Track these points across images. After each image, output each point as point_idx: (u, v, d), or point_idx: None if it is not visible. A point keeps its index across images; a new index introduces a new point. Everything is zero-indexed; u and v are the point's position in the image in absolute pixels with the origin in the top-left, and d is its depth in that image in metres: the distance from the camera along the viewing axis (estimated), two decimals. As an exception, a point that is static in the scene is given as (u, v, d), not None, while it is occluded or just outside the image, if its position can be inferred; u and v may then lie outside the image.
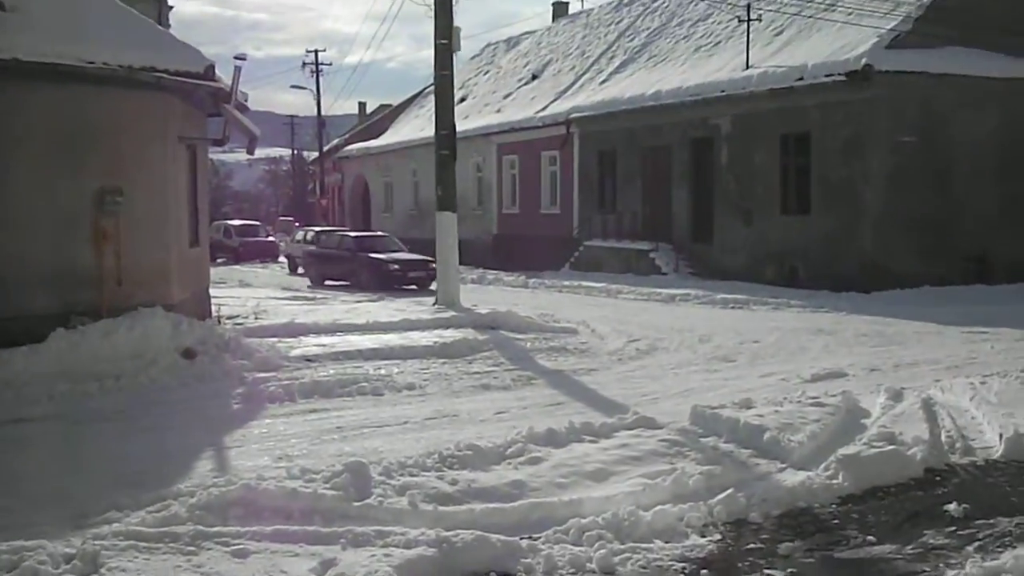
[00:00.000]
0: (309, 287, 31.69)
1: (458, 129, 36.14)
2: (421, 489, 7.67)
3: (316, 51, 69.37)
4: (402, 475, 7.99)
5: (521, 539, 6.89)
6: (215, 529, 6.85)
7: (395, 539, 6.72)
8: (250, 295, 25.67)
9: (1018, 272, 25.15)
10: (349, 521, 7.11)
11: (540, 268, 35.25)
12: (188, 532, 6.73)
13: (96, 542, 6.48)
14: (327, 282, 32.54)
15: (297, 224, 59.67)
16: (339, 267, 32.41)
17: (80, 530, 6.97)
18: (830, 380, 13.01)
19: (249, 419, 11.12)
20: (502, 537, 6.80)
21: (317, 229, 43.41)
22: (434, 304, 21.75)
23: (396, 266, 30.27)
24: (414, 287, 29.26)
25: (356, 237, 33.24)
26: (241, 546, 6.58)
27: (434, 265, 29.67)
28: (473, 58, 56.29)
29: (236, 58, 18.27)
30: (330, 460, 8.67)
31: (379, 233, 35.69)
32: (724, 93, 28.90)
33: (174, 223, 17.00)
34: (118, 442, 10.05)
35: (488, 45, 56.27)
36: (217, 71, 16.97)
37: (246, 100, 19.85)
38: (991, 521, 7.42)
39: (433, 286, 28.42)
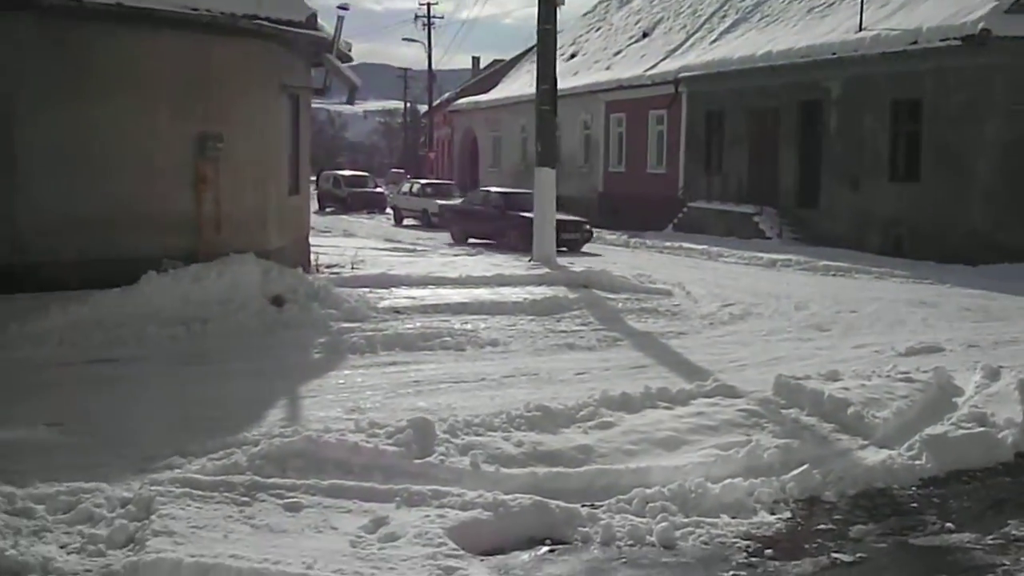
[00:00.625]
0: (450, 244, 29.90)
1: (567, 86, 35.73)
2: (484, 449, 7.53)
3: (428, 3, 69.40)
4: (467, 434, 7.86)
5: (582, 506, 6.71)
6: (271, 480, 6.81)
7: (451, 500, 6.60)
8: (352, 245, 25.73)
9: None
10: (408, 479, 7.01)
11: (643, 228, 34.86)
12: (244, 482, 6.69)
13: (152, 488, 6.48)
14: (471, 240, 30.54)
15: (408, 176, 59.83)
16: (485, 225, 30.17)
17: (142, 474, 7.01)
18: (925, 355, 12.50)
19: (329, 369, 11.11)
20: (561, 504, 6.65)
21: (423, 182, 43.53)
22: (530, 260, 21.60)
23: None
24: (565, 249, 25.42)
25: (505, 194, 30.80)
26: (295, 499, 6.52)
27: (588, 226, 29.14)
28: (585, 14, 55.63)
29: (339, 7, 18.24)
30: (401, 414, 8.54)
31: (526, 190, 31.91)
32: (835, 55, 28.05)
33: (274, 171, 17.12)
34: (196, 387, 10.09)
35: (601, 1, 55.47)
36: (321, 20, 16.97)
37: (349, 50, 19.85)
38: (1082, 513, 7.03)
39: (586, 248, 28.18)
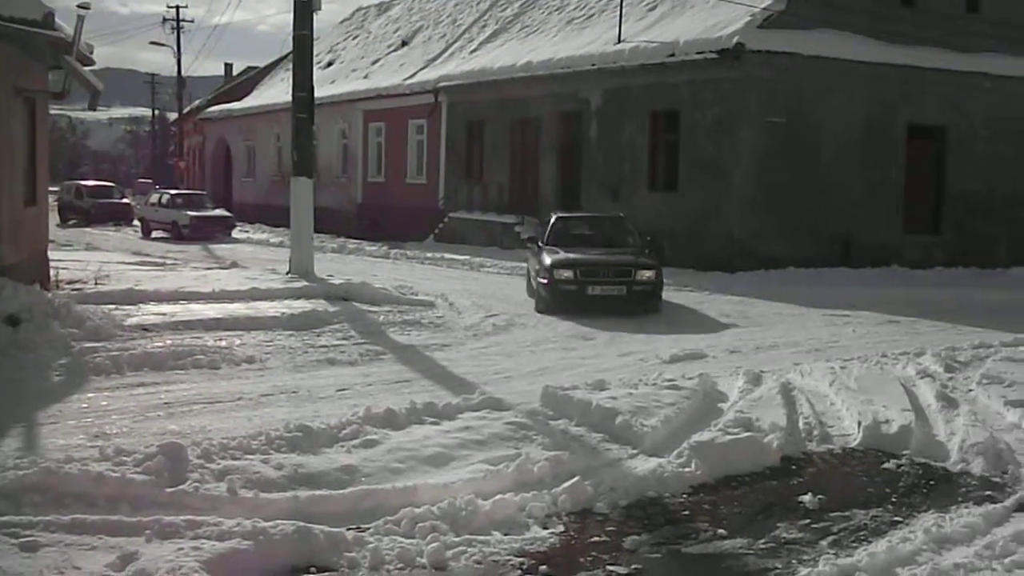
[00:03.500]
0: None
1: (325, 94, 35.17)
2: (243, 474, 7.06)
3: (177, 7, 67.33)
4: (223, 458, 7.36)
5: (348, 530, 6.37)
6: (5, 518, 6.21)
7: (208, 530, 6.13)
8: (96, 259, 24.38)
9: (882, 256, 25.40)
10: (159, 509, 6.47)
11: (404, 239, 34.59)
12: (-28, 521, 6.02)
13: None
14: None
15: (157, 187, 57.70)
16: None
17: None
18: (689, 361, 12.74)
19: (70, 392, 10.30)
20: (326, 528, 6.28)
21: (173, 192, 42.04)
22: (287, 273, 20.95)
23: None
24: None
25: None
26: (32, 538, 5.95)
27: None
28: (343, 22, 55.08)
29: (79, 7, 17.18)
30: (151, 439, 7.98)
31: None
32: (595, 67, 28.49)
33: (7, 179, 16.02)
34: (-83, 416, 9.15)
35: (359, 9, 55.02)
36: (59, 20, 15.98)
37: (91, 52, 18.82)
38: (847, 513, 7.17)
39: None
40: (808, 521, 7.00)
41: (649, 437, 8.53)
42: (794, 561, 6.26)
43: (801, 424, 9.32)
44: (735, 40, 24.05)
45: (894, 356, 12.79)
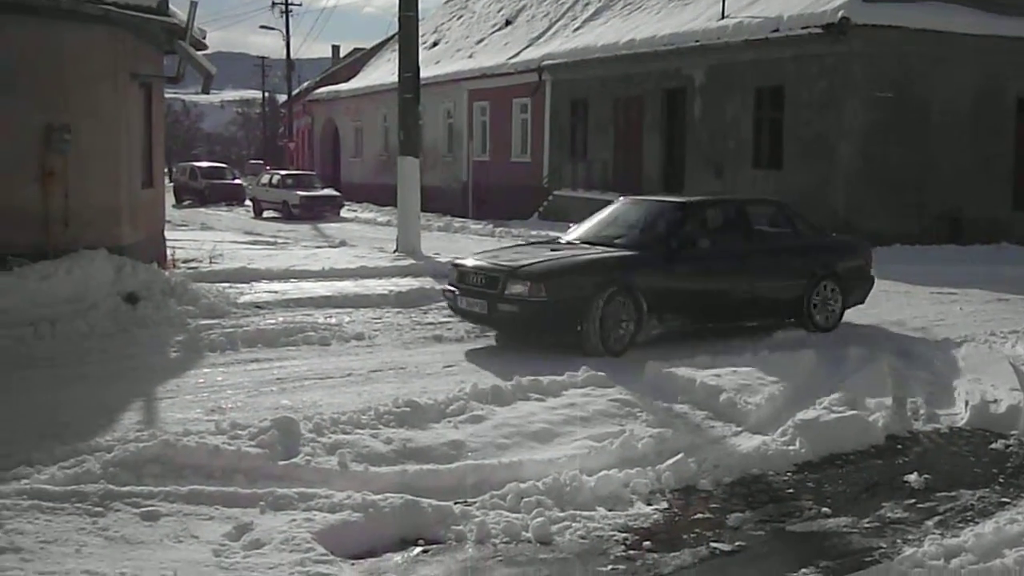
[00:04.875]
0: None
1: (430, 74, 35.49)
2: (353, 448, 7.25)
3: (285, -11, 68.30)
4: (334, 432, 7.56)
5: (455, 504, 6.50)
6: (127, 489, 6.44)
7: (319, 502, 6.33)
8: (211, 238, 25.00)
9: (991, 232, 24.84)
10: (272, 482, 6.70)
11: (509, 217, 34.75)
12: (98, 491, 6.33)
13: (-1, 500, 6.05)
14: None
15: (267, 167, 58.75)
16: None
17: (-15, 487, 6.53)
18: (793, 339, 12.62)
19: (187, 368, 10.62)
20: (433, 502, 6.44)
21: (283, 173, 42.77)
22: (394, 252, 21.25)
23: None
24: None
25: None
26: (152, 508, 6.19)
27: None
28: (447, 2, 55.35)
29: (192, -7, 17.62)
30: (264, 414, 8.21)
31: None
32: (698, 43, 28.33)
33: (125, 163, 16.47)
34: (44, 392, 9.51)
35: (463, -11, 55.29)
36: (172, 6, 16.38)
37: (204, 37, 19.25)
38: (953, 494, 7.11)
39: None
40: (913, 501, 6.97)
41: (753, 415, 8.54)
42: (899, 541, 6.24)
43: (907, 403, 9.23)
44: (840, 14, 23.72)
45: (1003, 335, 12.55)
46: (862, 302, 13.93)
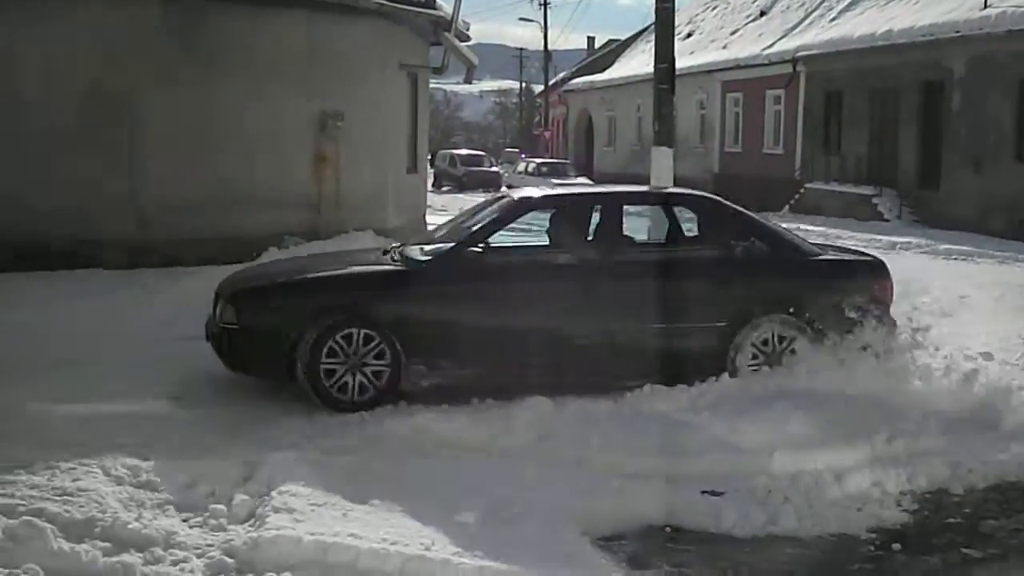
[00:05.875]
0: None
1: (683, 65, 35.33)
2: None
3: (544, -17, 69.24)
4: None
5: (702, 493, 6.65)
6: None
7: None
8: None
9: None
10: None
11: (760, 208, 33.87)
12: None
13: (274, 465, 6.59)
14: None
15: (523, 156, 59.91)
16: None
17: (263, 451, 6.95)
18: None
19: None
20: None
21: (538, 161, 43.56)
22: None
23: None
24: None
25: None
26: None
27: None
28: (703, -7, 54.96)
29: (459, -12, 18.32)
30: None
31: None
32: (959, 34, 27.28)
33: (392, 149, 17.30)
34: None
35: (719, -20, 54.79)
36: (439, 0, 17.07)
37: (467, 29, 19.97)
38: None
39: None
40: None
41: (1013, 419, 8.18)
42: None
43: None
44: (1121, 0, 22.42)
45: None
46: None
